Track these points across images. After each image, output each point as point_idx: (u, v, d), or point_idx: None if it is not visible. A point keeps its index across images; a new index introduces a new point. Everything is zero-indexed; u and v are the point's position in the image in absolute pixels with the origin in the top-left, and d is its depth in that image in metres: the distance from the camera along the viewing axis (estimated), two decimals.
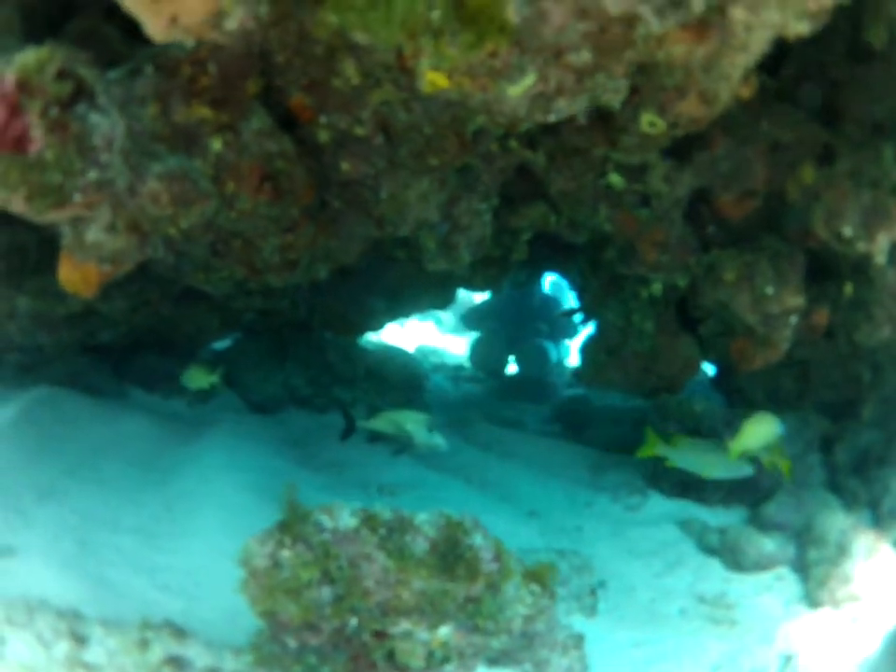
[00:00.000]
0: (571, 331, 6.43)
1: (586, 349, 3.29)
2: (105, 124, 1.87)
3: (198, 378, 3.12)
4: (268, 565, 1.66)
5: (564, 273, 4.29)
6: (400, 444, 3.32)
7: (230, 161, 2.08)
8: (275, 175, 2.15)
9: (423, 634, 1.77)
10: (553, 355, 5.99)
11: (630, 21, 1.61)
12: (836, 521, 2.77)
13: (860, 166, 2.37)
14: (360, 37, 1.57)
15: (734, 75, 1.97)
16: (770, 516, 2.99)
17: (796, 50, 2.55)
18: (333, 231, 2.44)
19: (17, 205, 1.90)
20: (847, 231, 2.36)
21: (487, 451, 3.61)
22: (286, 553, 1.65)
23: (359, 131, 2.13)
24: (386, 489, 3.04)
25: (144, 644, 1.85)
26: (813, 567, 2.70)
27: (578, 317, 4.16)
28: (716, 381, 3.92)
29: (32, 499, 2.54)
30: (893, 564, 2.64)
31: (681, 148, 2.59)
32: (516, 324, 6.17)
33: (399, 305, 3.64)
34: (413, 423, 3.01)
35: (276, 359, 3.71)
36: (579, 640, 2.20)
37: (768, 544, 2.83)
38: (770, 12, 1.70)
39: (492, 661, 2.03)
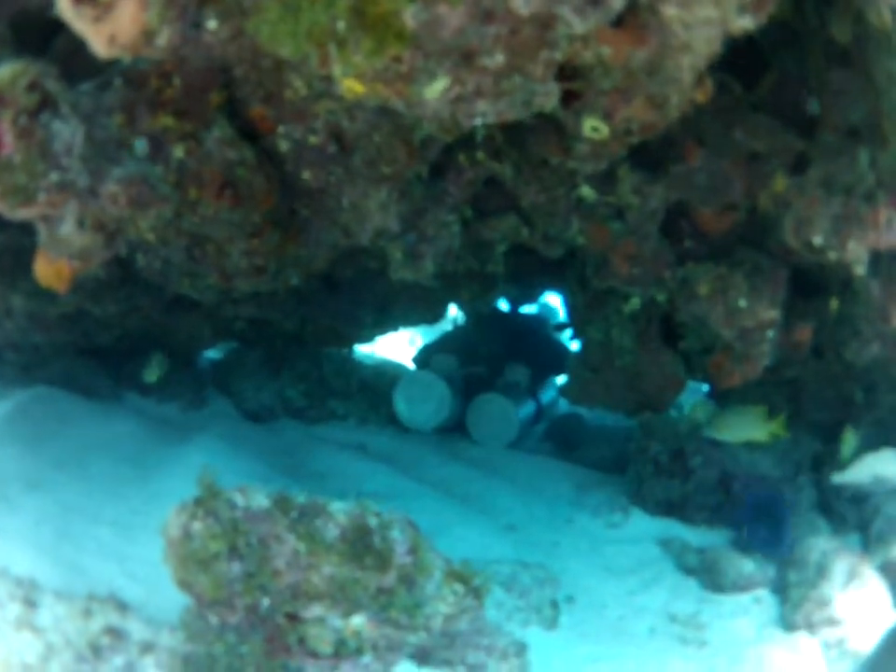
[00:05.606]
0: (559, 365, 4.45)
1: (571, 366, 3.28)
2: (66, 131, 2.03)
3: (153, 372, 3.39)
4: (181, 535, 1.74)
5: (557, 290, 4.29)
6: None
7: (192, 168, 2.20)
8: (236, 182, 2.25)
9: (336, 621, 1.80)
10: (528, 409, 4.29)
11: (546, 21, 1.63)
12: (818, 542, 2.67)
13: (833, 173, 2.30)
14: (272, 50, 1.66)
15: (683, 77, 1.96)
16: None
17: (776, 62, 2.53)
18: (302, 240, 2.53)
19: None
20: (818, 239, 2.28)
21: (473, 467, 3.61)
22: (197, 525, 1.73)
23: (314, 140, 2.22)
24: (363, 497, 3.05)
25: (87, 613, 1.95)
26: (791, 590, 2.61)
27: (568, 333, 4.14)
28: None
29: (18, 489, 2.68)
30: (875, 588, 2.53)
31: (655, 161, 2.59)
32: (487, 360, 4.43)
33: (388, 319, 3.70)
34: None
35: (271, 370, 3.82)
36: (521, 648, 2.19)
37: (748, 565, 2.74)
38: (705, 8, 1.69)
39: (420, 660, 2.03)
